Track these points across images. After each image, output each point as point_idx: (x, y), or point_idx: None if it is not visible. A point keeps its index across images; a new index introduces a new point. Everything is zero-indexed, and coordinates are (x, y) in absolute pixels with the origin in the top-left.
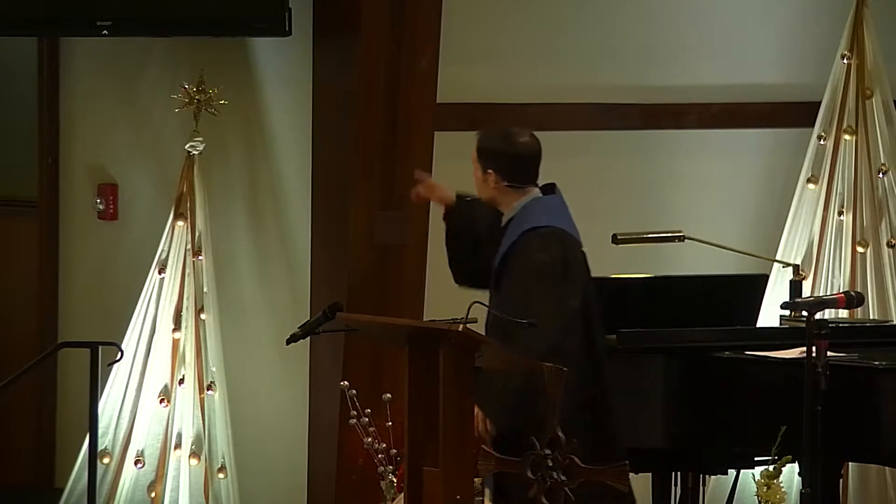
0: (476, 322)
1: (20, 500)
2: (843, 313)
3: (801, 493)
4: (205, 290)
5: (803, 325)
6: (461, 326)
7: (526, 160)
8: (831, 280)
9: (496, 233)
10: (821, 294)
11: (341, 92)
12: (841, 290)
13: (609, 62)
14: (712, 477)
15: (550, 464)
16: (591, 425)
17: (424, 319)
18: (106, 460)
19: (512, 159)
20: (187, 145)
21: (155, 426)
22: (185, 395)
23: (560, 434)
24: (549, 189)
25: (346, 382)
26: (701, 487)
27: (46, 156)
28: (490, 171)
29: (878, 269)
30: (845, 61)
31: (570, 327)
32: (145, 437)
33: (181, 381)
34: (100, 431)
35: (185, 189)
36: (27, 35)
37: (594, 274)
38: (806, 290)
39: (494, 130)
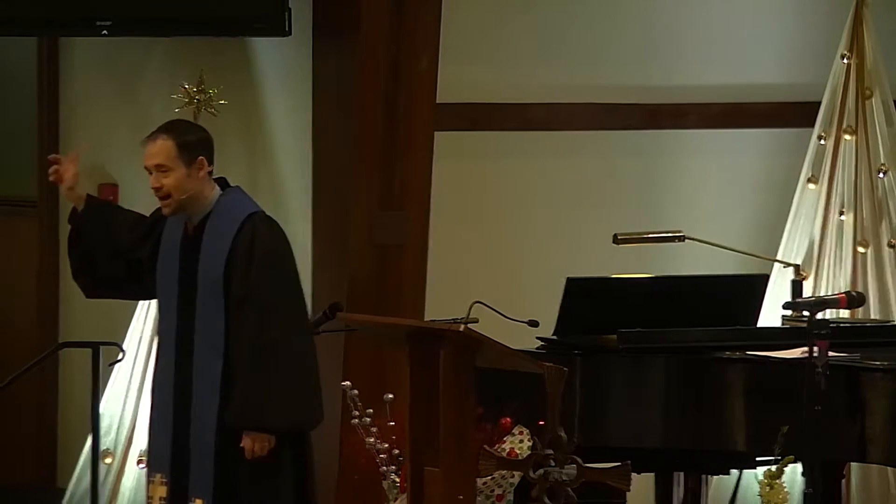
0: (477, 322)
1: (23, 500)
2: (845, 313)
3: (803, 493)
4: None
5: (804, 325)
6: (462, 326)
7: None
8: (832, 280)
9: (138, 239)
10: (822, 294)
11: (341, 92)
12: (842, 291)
13: (610, 62)
14: (715, 477)
15: (552, 463)
16: None
17: (425, 319)
18: (108, 460)
19: (212, 145)
20: None
21: None
22: None
23: (561, 434)
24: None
25: (347, 382)
26: (703, 487)
27: (46, 155)
28: (202, 157)
29: (878, 269)
30: (845, 61)
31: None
32: (147, 437)
33: None
34: (102, 431)
35: None
36: (27, 35)
37: (594, 274)
38: (807, 291)
39: (180, 123)
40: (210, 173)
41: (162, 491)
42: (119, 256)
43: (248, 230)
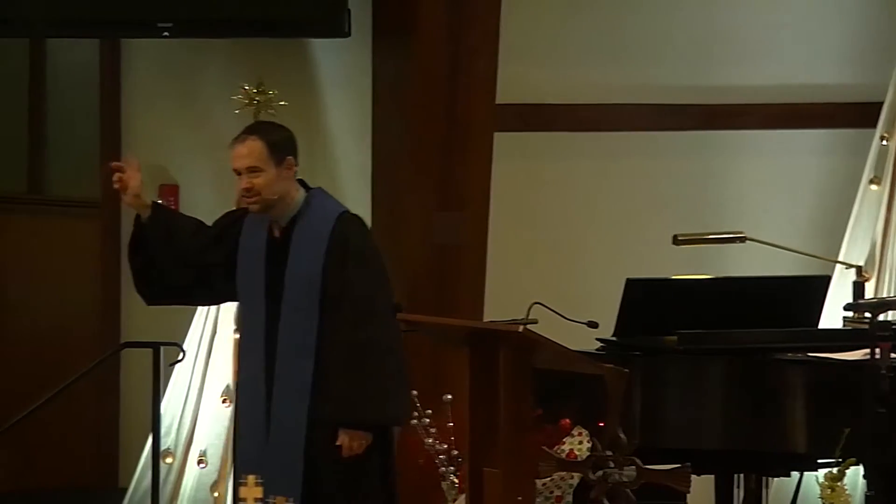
0: (536, 323)
1: (85, 499)
2: None
3: (865, 496)
4: None
5: (866, 326)
6: (521, 327)
7: None
8: (895, 281)
9: (208, 245)
10: (884, 295)
11: (400, 92)
12: None
13: (668, 62)
14: (775, 479)
15: (611, 464)
16: None
17: (484, 320)
18: (169, 460)
19: (297, 145)
20: None
21: (217, 426)
22: None
23: (621, 435)
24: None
25: None
26: (764, 490)
27: (108, 157)
28: (290, 157)
29: None
30: None
31: None
32: (207, 437)
33: None
34: (162, 431)
35: None
36: (89, 37)
37: (653, 275)
38: (869, 292)
39: (266, 124)
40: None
41: (257, 492)
42: (188, 263)
43: (340, 229)
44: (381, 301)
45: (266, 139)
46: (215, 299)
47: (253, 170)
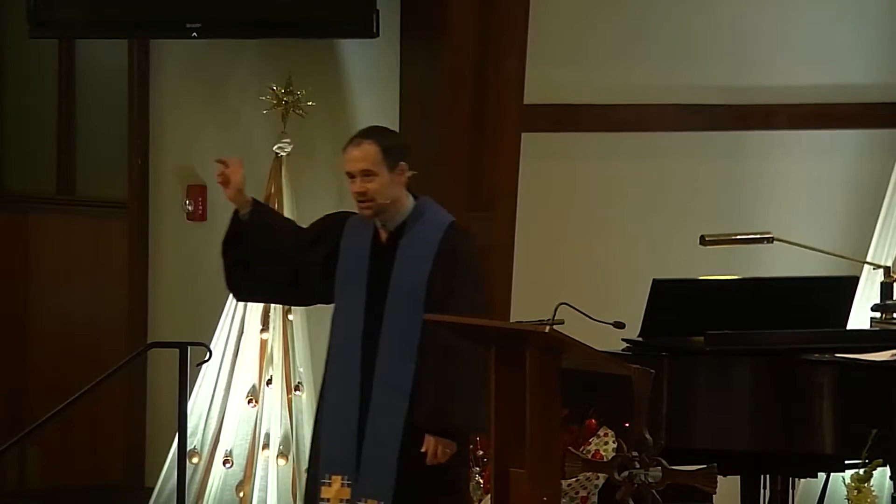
0: (563, 323)
1: (111, 499)
2: None
3: (892, 497)
4: None
5: (894, 327)
6: (548, 328)
7: None
8: None
9: (307, 245)
10: None
11: (428, 93)
12: None
13: (697, 62)
14: (802, 480)
15: (637, 465)
16: None
17: (511, 320)
18: (195, 460)
19: (410, 151)
20: (275, 146)
21: (243, 426)
22: (273, 396)
23: (647, 435)
24: None
25: None
26: (790, 491)
27: (136, 157)
28: (404, 163)
29: None
30: None
31: None
32: (234, 438)
33: (269, 382)
34: (189, 431)
35: (272, 190)
36: (118, 38)
37: (681, 275)
38: None
39: (381, 129)
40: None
41: (344, 493)
42: (285, 262)
43: (450, 238)
44: (481, 312)
45: (381, 143)
46: (306, 300)
47: (367, 173)
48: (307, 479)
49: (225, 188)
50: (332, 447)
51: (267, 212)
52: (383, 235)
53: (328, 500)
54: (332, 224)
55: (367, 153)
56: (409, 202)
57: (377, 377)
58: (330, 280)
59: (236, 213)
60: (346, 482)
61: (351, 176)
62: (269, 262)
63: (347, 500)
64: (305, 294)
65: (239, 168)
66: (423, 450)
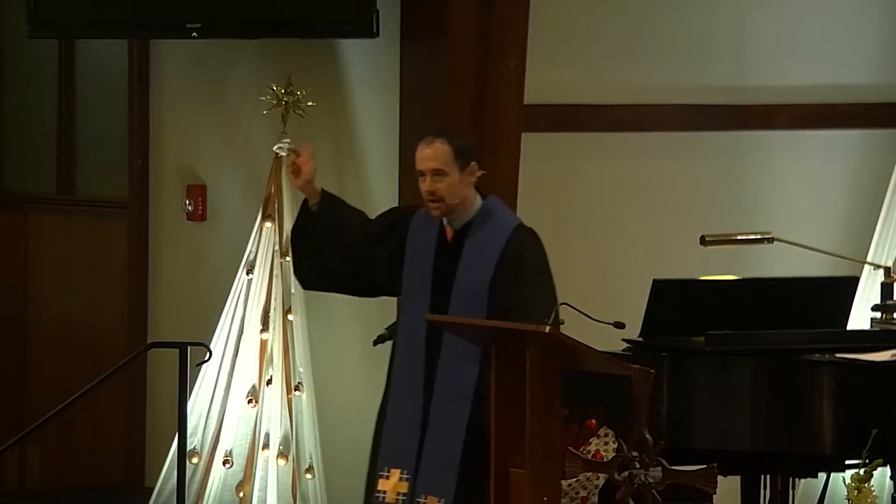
0: (563, 323)
1: (111, 499)
2: None
3: (893, 497)
4: (292, 291)
5: (894, 327)
6: (548, 328)
7: None
8: None
9: (375, 240)
10: None
11: (428, 93)
12: None
13: (698, 63)
14: (802, 480)
15: (638, 465)
16: None
17: None
18: (195, 460)
19: (478, 151)
20: (275, 147)
21: (243, 426)
22: (273, 396)
23: (647, 436)
24: None
25: None
26: (790, 491)
27: (136, 157)
28: (474, 163)
29: None
30: None
31: None
32: (233, 438)
33: (269, 382)
34: (189, 431)
35: (272, 190)
36: (118, 38)
37: (681, 275)
38: None
39: (452, 129)
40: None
41: (402, 486)
42: (353, 255)
43: (516, 241)
44: (546, 314)
45: (453, 143)
46: (370, 292)
47: (438, 172)
48: (368, 472)
49: (295, 178)
50: (394, 441)
51: (336, 203)
52: (449, 234)
53: (385, 492)
54: (399, 219)
55: (438, 152)
56: (476, 202)
57: (440, 376)
58: (396, 274)
59: (305, 203)
60: (405, 476)
61: (421, 174)
62: (337, 254)
63: (404, 495)
64: (371, 287)
65: (310, 158)
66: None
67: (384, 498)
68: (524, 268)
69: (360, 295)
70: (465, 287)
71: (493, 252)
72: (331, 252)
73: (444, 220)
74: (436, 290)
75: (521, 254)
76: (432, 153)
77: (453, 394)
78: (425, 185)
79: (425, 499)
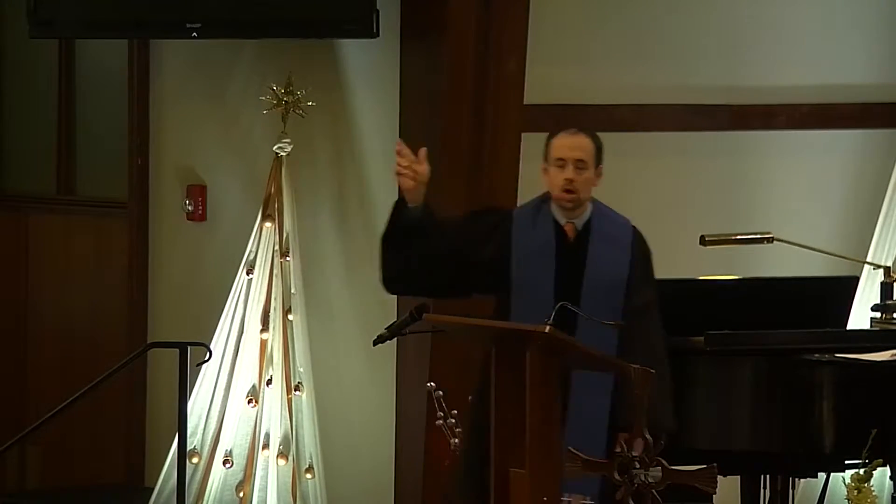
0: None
1: (111, 499)
2: None
3: (892, 497)
4: (292, 290)
5: (894, 327)
6: (547, 328)
7: None
8: None
9: (478, 240)
10: None
11: (428, 93)
12: None
13: (698, 63)
14: (802, 480)
15: (637, 465)
16: None
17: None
18: (195, 460)
19: None
20: (275, 146)
21: (243, 426)
22: (273, 396)
23: (647, 436)
24: None
25: (432, 384)
26: (790, 491)
27: (136, 157)
28: (601, 165)
29: None
30: None
31: None
32: (233, 438)
33: (269, 382)
34: (189, 431)
35: (272, 190)
36: (118, 38)
37: (680, 275)
38: None
39: (586, 129)
40: None
41: None
42: (455, 255)
43: (639, 240)
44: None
45: (595, 141)
46: (466, 292)
47: (580, 164)
48: (466, 465)
49: (405, 179)
50: None
51: (433, 207)
52: (570, 231)
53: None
54: (501, 218)
55: (584, 144)
56: (588, 202)
57: (577, 372)
58: (493, 276)
59: (400, 203)
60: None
61: (561, 162)
62: (439, 254)
63: None
64: (470, 288)
65: (425, 161)
66: (616, 450)
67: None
68: (649, 267)
69: (446, 297)
70: (596, 284)
71: (624, 250)
72: (433, 252)
73: (561, 219)
74: (559, 288)
75: (646, 253)
76: (578, 143)
77: (594, 390)
78: (566, 174)
79: (570, 497)
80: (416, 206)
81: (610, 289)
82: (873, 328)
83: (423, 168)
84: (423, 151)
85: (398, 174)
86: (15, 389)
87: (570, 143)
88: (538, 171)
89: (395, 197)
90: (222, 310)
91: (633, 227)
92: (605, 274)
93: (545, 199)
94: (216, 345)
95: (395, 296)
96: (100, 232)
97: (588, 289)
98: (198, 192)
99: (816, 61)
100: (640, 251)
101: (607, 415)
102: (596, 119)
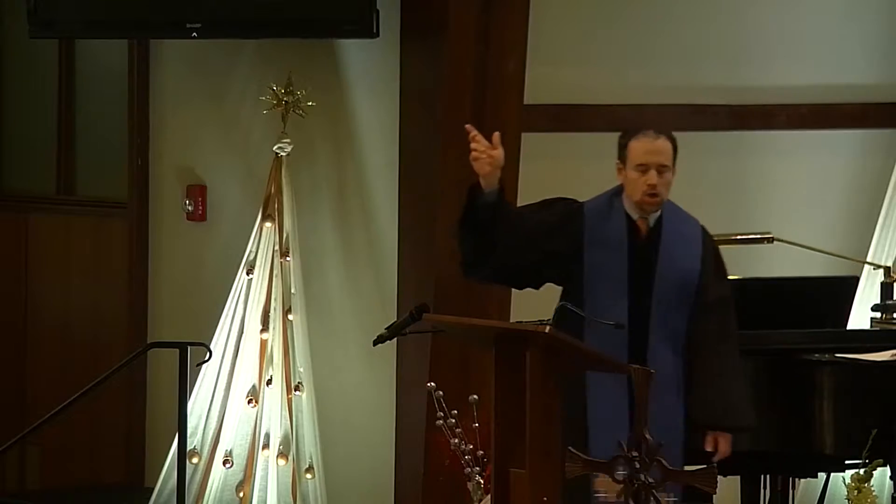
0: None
1: (111, 498)
2: None
3: (892, 497)
4: (292, 290)
5: (894, 327)
6: (548, 328)
7: None
8: None
9: (552, 232)
10: None
11: (428, 93)
12: None
13: (698, 63)
14: (802, 480)
15: (637, 465)
16: None
17: (511, 321)
18: (195, 460)
19: None
20: (275, 146)
21: (243, 426)
22: (273, 396)
23: (647, 435)
24: None
25: (432, 384)
26: (790, 491)
27: (136, 157)
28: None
29: None
30: None
31: None
32: (234, 438)
33: (269, 382)
34: (189, 431)
35: (272, 190)
36: (118, 38)
37: None
38: None
39: (666, 131)
40: None
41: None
42: (531, 246)
43: (707, 236)
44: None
45: (673, 142)
46: (536, 283)
47: (663, 168)
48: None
49: (481, 164)
50: (606, 439)
51: (505, 195)
52: (643, 229)
53: (604, 490)
54: (574, 211)
55: (664, 149)
56: None
57: (650, 366)
58: (564, 269)
59: (475, 189)
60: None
61: (644, 167)
62: (516, 243)
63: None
64: (541, 279)
65: (499, 144)
66: (708, 448)
67: (605, 498)
68: (720, 263)
69: (521, 287)
70: (668, 279)
71: (696, 246)
72: (510, 242)
73: (634, 214)
74: (633, 282)
75: (716, 250)
76: (662, 148)
77: (669, 388)
78: (649, 179)
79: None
80: (492, 191)
81: (682, 285)
82: (873, 328)
83: (499, 152)
84: (496, 136)
85: (473, 160)
86: (15, 389)
87: (652, 149)
88: (538, 170)
89: (396, 198)
90: (222, 310)
91: (700, 224)
92: (677, 270)
93: (617, 192)
94: (216, 345)
95: (398, 296)
96: (100, 232)
97: (660, 284)
98: (198, 192)
99: (816, 61)
100: (710, 248)
101: (682, 412)
102: (596, 119)
